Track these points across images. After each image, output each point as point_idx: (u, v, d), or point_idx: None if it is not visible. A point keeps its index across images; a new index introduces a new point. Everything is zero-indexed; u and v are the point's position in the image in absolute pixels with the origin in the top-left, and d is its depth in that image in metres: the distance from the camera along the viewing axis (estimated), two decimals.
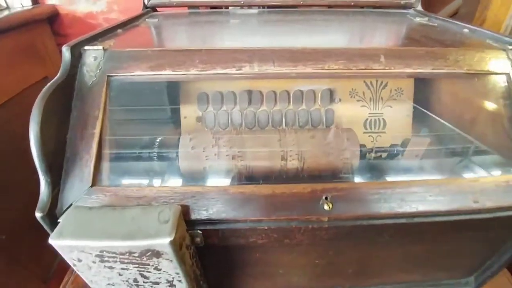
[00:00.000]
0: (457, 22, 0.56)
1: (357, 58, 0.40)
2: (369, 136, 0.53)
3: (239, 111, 0.45)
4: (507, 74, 0.42)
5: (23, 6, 0.74)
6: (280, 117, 0.48)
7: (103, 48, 0.39)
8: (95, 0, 0.75)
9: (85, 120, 0.37)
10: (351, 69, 0.39)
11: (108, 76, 0.38)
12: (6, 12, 0.73)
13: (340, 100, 0.51)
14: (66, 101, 0.38)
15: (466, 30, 0.54)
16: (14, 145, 0.63)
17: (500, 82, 0.43)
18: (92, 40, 0.42)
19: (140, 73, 0.38)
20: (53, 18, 0.77)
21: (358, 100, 0.52)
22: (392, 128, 0.54)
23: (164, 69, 0.38)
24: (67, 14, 0.77)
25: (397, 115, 0.54)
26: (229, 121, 0.46)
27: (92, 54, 0.39)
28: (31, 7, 0.74)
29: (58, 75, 0.37)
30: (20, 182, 0.62)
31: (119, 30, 0.49)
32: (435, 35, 0.50)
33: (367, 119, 0.53)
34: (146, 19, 0.57)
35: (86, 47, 0.39)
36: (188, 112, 0.45)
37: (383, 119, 0.53)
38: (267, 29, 0.52)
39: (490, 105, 0.47)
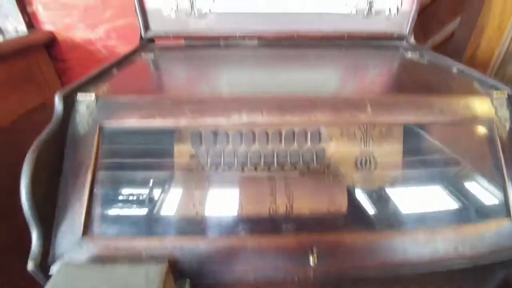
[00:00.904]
0: (448, 59, 0.57)
1: (344, 107, 0.41)
2: (360, 174, 0.54)
3: (232, 151, 0.46)
4: (491, 120, 0.43)
5: (18, 31, 0.75)
6: (272, 157, 0.49)
7: (95, 96, 0.40)
8: (93, 28, 0.76)
9: (77, 169, 0.38)
10: (338, 119, 0.40)
11: (100, 125, 0.39)
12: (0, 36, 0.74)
13: (331, 139, 0.52)
14: (58, 150, 0.38)
15: (455, 69, 0.55)
16: (10, 170, 0.64)
17: (484, 127, 0.44)
18: (86, 84, 0.43)
19: (131, 123, 0.39)
20: (50, 44, 0.78)
21: (349, 139, 0.53)
22: (383, 166, 0.54)
23: (154, 118, 0.39)
24: (65, 40, 0.78)
25: (388, 153, 0.54)
26: (222, 161, 0.47)
27: (85, 103, 0.40)
28: (26, 33, 0.75)
29: (50, 126, 0.38)
30: (16, 209, 0.62)
31: (114, 70, 0.50)
32: (424, 77, 0.51)
33: (358, 157, 0.54)
34: (142, 54, 0.58)
35: (79, 96, 0.40)
36: (181, 151, 0.46)
37: (374, 157, 0.54)
38: (260, 68, 0.53)
39: (475, 148, 0.48)
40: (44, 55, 0.78)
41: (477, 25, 0.89)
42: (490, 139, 0.43)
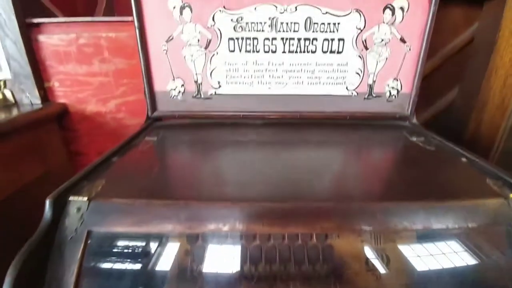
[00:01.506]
0: (455, 148, 0.56)
1: (352, 216, 0.38)
2: (371, 274, 0.48)
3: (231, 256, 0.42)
4: (509, 223, 0.40)
5: (32, 104, 0.79)
6: (275, 254, 0.44)
7: (88, 199, 0.38)
8: (105, 102, 0.80)
9: (61, 275, 0.35)
10: (345, 229, 0.37)
11: (89, 230, 0.36)
12: (14, 109, 0.77)
13: (338, 236, 0.48)
14: (43, 258, 0.36)
15: (464, 160, 0.53)
16: (8, 241, 0.60)
17: (500, 232, 0.40)
18: (81, 180, 0.42)
19: (122, 229, 0.36)
20: (62, 115, 0.81)
21: (358, 236, 0.49)
22: (396, 265, 0.49)
23: (148, 225, 0.36)
24: (77, 112, 0.81)
25: (401, 250, 0.49)
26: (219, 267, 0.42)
27: (76, 205, 0.38)
28: (40, 106, 0.78)
29: (36, 234, 0.35)
30: None
31: (115, 158, 0.49)
32: (433, 170, 0.49)
33: (368, 255, 0.49)
34: (146, 137, 0.58)
35: (71, 198, 0.38)
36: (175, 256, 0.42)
37: (386, 255, 0.49)
38: (262, 157, 0.52)
39: (492, 252, 0.43)
40: (54, 126, 0.81)
41: (478, 100, 0.91)
42: (507, 243, 0.39)
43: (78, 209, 0.38)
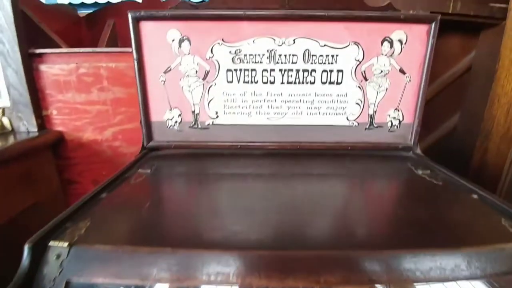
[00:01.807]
0: (464, 182, 0.53)
1: (358, 265, 0.34)
2: None
3: None
4: None
5: (28, 132, 0.78)
6: None
7: (68, 244, 0.35)
8: (102, 130, 0.79)
9: None
10: (351, 282, 0.33)
11: (67, 281, 0.33)
12: (11, 137, 0.76)
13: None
14: None
15: (475, 196, 0.50)
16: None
17: None
18: (64, 222, 0.39)
19: (103, 280, 0.33)
20: (57, 143, 0.80)
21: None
22: None
23: (132, 276, 0.33)
24: (73, 140, 0.80)
25: None
26: None
27: (56, 251, 0.35)
28: (36, 134, 0.77)
29: (14, 281, 0.32)
30: None
31: (104, 194, 0.47)
32: (443, 208, 0.46)
33: None
34: (139, 169, 0.56)
35: (51, 243, 0.35)
36: None
37: None
38: (260, 194, 0.49)
39: None
40: (48, 154, 0.79)
41: (481, 128, 0.89)
42: None
43: (58, 256, 0.35)
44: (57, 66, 0.76)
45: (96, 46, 1.07)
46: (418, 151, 0.68)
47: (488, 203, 0.47)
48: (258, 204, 0.44)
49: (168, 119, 0.65)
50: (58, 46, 0.86)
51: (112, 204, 0.45)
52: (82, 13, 1.27)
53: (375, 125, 0.68)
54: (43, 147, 0.77)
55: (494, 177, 0.91)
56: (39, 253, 0.35)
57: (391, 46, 0.63)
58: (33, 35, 0.85)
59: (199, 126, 0.66)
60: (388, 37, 0.62)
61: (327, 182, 0.55)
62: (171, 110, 0.65)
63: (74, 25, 1.20)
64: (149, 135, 0.65)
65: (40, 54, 0.76)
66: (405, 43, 0.63)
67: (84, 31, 1.25)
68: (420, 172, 0.58)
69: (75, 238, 0.36)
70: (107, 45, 1.07)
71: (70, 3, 2.70)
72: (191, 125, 0.65)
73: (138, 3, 1.33)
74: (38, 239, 0.35)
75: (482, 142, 0.88)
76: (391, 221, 0.42)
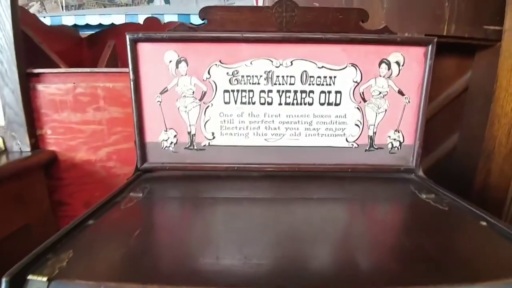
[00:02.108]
0: (471, 208, 0.50)
1: None
2: None
3: None
4: None
5: (21, 151, 0.76)
6: None
7: (48, 278, 0.32)
8: (96, 150, 0.77)
9: None
10: None
11: None
12: (3, 157, 0.74)
13: None
14: None
15: (484, 223, 0.47)
16: None
17: None
18: (46, 252, 0.36)
19: None
20: (50, 163, 0.78)
21: None
22: None
23: None
24: (66, 160, 0.78)
25: None
26: None
27: (34, 286, 0.32)
28: (29, 153, 0.75)
29: None
30: None
31: (91, 221, 0.44)
32: (452, 239, 0.43)
33: None
34: (131, 193, 0.54)
35: (30, 276, 0.32)
36: None
37: None
38: (257, 222, 0.46)
39: None
40: (40, 175, 0.77)
41: (483, 148, 0.88)
42: None
43: None
44: (54, 86, 0.76)
45: (96, 66, 1.08)
46: (421, 173, 0.66)
47: (498, 230, 0.44)
48: (255, 234, 0.42)
49: (163, 140, 0.63)
50: (58, 66, 0.87)
51: (99, 232, 0.42)
52: (85, 34, 1.30)
53: (376, 147, 0.66)
54: (35, 167, 0.75)
55: (498, 200, 0.89)
56: (18, 287, 0.32)
57: (389, 67, 0.63)
58: (33, 55, 0.86)
59: (195, 147, 0.64)
60: (386, 59, 0.63)
61: (328, 207, 0.52)
62: (166, 131, 0.63)
63: (75, 46, 1.22)
64: (143, 157, 0.63)
65: (38, 74, 0.76)
66: (402, 65, 0.63)
67: (85, 52, 1.27)
68: (424, 196, 0.56)
69: (56, 272, 0.33)
70: (107, 66, 1.08)
71: (75, 25, 2.80)
72: (187, 146, 0.64)
73: (140, 24, 1.36)
74: (17, 272, 0.32)
75: (484, 163, 0.86)
76: (399, 254, 0.39)
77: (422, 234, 0.43)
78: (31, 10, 3.09)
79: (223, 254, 0.37)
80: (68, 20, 2.78)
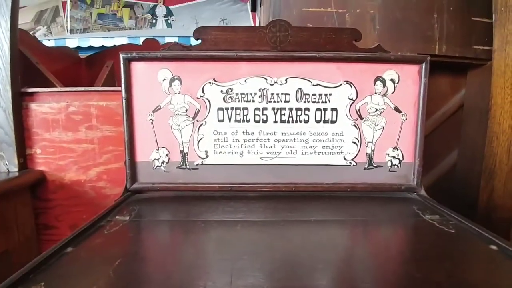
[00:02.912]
0: (479, 230, 0.47)
1: None
2: None
3: None
4: None
5: (9, 171, 0.74)
6: None
7: None
8: (86, 170, 0.75)
9: None
10: None
11: None
12: None
13: None
14: None
15: (494, 247, 0.44)
16: None
17: None
18: (19, 283, 0.33)
19: None
20: (38, 183, 0.75)
21: None
22: None
23: None
24: (54, 181, 0.75)
25: None
26: None
27: None
28: (16, 174, 0.73)
29: None
30: None
31: (69, 249, 0.41)
32: (462, 266, 0.40)
33: None
34: (117, 216, 0.51)
35: None
36: None
37: None
38: (251, 248, 0.43)
39: None
40: (26, 196, 0.73)
41: (483, 166, 0.86)
42: None
43: None
44: (47, 105, 0.75)
45: (93, 86, 1.08)
46: (423, 192, 0.64)
47: (509, 255, 0.41)
48: (249, 262, 0.38)
49: (154, 159, 0.61)
50: (54, 86, 0.87)
51: (76, 261, 0.38)
52: (84, 55, 1.32)
53: (375, 165, 0.64)
54: (21, 188, 0.72)
55: (504, 220, 0.85)
56: None
57: (384, 85, 0.62)
58: (30, 75, 0.86)
59: (188, 167, 0.62)
60: (380, 76, 0.62)
61: (327, 231, 0.49)
62: (158, 150, 0.61)
63: (74, 66, 1.23)
64: (133, 177, 0.61)
65: (32, 93, 0.75)
66: (397, 82, 0.63)
67: (83, 72, 1.28)
68: (428, 217, 0.53)
69: None
70: (104, 85, 1.08)
71: (78, 46, 2.87)
72: (179, 165, 0.61)
73: (139, 45, 1.39)
74: None
75: (487, 182, 0.84)
76: (405, 284, 0.36)
77: (429, 261, 0.40)
78: (37, 34, 3.17)
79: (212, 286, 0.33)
80: (72, 42, 2.86)
